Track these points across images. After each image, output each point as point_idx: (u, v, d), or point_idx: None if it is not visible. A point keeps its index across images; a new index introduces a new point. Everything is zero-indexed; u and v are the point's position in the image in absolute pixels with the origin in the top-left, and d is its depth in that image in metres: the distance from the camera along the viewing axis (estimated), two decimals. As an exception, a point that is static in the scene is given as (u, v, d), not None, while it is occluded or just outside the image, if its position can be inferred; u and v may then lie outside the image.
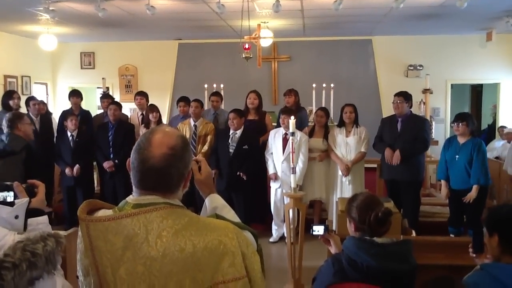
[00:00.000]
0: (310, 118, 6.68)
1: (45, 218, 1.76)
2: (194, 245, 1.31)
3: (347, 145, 5.61)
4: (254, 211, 5.79)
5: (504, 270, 1.87)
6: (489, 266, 1.96)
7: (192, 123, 6.03)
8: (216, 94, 6.67)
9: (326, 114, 5.91)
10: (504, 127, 8.51)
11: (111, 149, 6.02)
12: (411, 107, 5.55)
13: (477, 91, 11.48)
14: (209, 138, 5.98)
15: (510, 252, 1.93)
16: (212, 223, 1.42)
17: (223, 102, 6.81)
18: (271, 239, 5.74)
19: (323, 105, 6.86)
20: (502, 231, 1.97)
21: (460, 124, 4.96)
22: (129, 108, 8.73)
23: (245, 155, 5.57)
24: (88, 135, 6.27)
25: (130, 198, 1.41)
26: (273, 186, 5.72)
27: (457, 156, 5.01)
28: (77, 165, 5.86)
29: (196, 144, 5.94)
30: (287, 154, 5.40)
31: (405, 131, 5.35)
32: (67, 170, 5.88)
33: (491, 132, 9.80)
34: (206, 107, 6.86)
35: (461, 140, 5.02)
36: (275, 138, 5.64)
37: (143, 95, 6.82)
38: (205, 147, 5.94)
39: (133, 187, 1.42)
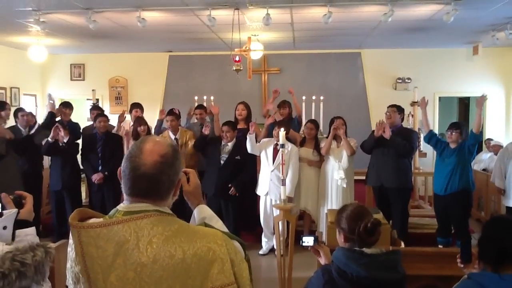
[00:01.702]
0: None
1: (33, 229, 1.75)
2: (184, 252, 1.33)
3: (339, 155, 5.65)
4: (244, 220, 5.80)
5: (491, 278, 1.90)
6: (476, 275, 1.98)
7: (173, 137, 6.09)
8: (200, 107, 6.75)
9: (316, 126, 5.98)
10: (491, 139, 8.62)
11: (100, 160, 6.02)
12: (402, 120, 5.70)
13: (464, 103, 11.63)
14: (189, 144, 6.06)
15: (489, 265, 1.97)
16: (202, 230, 1.44)
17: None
18: (260, 252, 5.73)
19: (313, 117, 6.91)
20: (479, 244, 2.03)
21: (454, 132, 5.17)
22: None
23: (235, 165, 5.59)
24: (76, 146, 6.26)
25: (121, 206, 1.43)
26: (261, 194, 5.72)
27: (446, 159, 5.25)
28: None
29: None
30: (277, 163, 5.43)
31: (394, 146, 5.47)
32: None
33: (479, 144, 9.89)
34: (195, 119, 6.85)
35: (453, 146, 5.24)
36: (266, 147, 5.65)
37: (139, 107, 6.86)
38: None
39: (124, 195, 1.44)
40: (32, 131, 6.08)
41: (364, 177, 6.30)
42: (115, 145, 6.06)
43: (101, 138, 6.10)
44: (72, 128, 6.63)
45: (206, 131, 5.76)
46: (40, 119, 7.76)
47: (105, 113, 6.89)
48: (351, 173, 5.76)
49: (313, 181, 5.83)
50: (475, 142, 5.20)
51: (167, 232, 1.35)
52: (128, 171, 1.41)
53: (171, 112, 6.22)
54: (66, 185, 6.00)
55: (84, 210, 1.49)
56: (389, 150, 5.48)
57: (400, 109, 5.65)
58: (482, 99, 5.39)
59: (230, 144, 5.68)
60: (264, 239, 5.80)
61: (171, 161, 1.44)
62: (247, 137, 5.54)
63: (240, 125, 6.18)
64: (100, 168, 6.03)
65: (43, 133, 5.71)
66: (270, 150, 5.59)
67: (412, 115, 8.69)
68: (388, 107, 5.70)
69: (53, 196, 6.18)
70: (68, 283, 1.41)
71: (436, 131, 9.73)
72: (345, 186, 5.59)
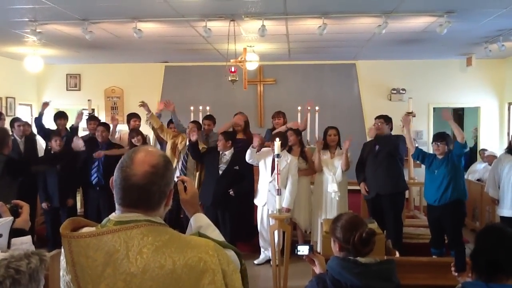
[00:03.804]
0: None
1: (28, 238, 1.75)
2: (174, 262, 1.33)
3: (332, 166, 5.68)
4: (240, 230, 5.79)
5: (483, 287, 1.91)
6: (470, 284, 1.99)
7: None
8: (209, 117, 6.68)
9: (295, 132, 5.94)
10: (485, 149, 8.66)
11: (96, 168, 6.03)
12: (391, 129, 5.79)
13: (458, 114, 11.71)
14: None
15: (482, 277, 1.98)
16: (193, 240, 1.44)
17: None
18: (256, 261, 5.71)
19: (308, 128, 7.00)
20: (471, 257, 2.04)
21: (439, 144, 5.26)
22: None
23: (234, 175, 5.59)
24: (73, 155, 6.23)
25: (113, 216, 1.43)
26: (259, 204, 5.70)
27: (436, 171, 5.29)
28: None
29: (187, 159, 5.97)
30: (275, 175, 5.42)
31: (382, 149, 5.57)
32: (43, 204, 5.99)
33: (473, 154, 9.96)
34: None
35: (441, 157, 5.32)
36: (265, 158, 5.62)
37: (137, 117, 6.89)
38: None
39: (116, 205, 1.44)
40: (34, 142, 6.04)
41: (359, 187, 6.33)
42: (116, 156, 6.01)
43: (102, 147, 6.11)
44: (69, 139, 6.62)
45: (193, 137, 5.72)
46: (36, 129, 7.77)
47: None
48: (344, 185, 5.78)
49: (301, 190, 5.75)
50: (461, 152, 5.24)
51: (158, 242, 1.35)
52: (119, 181, 1.41)
53: (194, 121, 6.29)
54: (63, 203, 5.99)
55: (78, 219, 1.50)
56: (378, 158, 5.57)
57: (387, 119, 5.78)
58: (446, 113, 5.66)
59: (228, 154, 5.68)
60: (261, 249, 5.79)
61: (162, 171, 1.43)
62: (249, 149, 5.48)
63: (239, 136, 6.21)
64: (95, 176, 6.04)
65: (42, 167, 5.68)
66: (269, 161, 5.54)
67: (407, 125, 8.74)
68: (375, 119, 5.84)
69: (48, 209, 6.14)
70: None
71: (431, 141, 9.82)
72: (338, 199, 5.61)
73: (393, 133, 5.93)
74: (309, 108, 6.75)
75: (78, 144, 5.59)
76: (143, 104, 6.29)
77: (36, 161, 5.85)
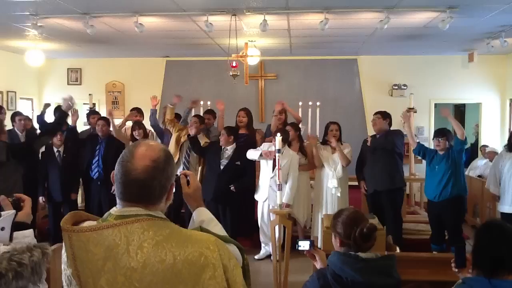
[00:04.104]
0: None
1: (30, 232, 1.76)
2: (175, 257, 1.32)
3: (332, 162, 5.68)
4: (241, 225, 5.80)
5: (484, 283, 1.92)
6: (471, 280, 2.00)
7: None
8: (209, 112, 6.73)
9: (294, 128, 5.92)
10: (486, 146, 8.65)
11: (96, 163, 6.03)
12: (390, 125, 5.78)
13: (460, 110, 11.70)
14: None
15: (480, 270, 1.99)
16: (194, 235, 1.43)
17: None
18: (256, 256, 5.72)
19: (309, 123, 6.98)
20: (472, 253, 2.04)
21: (440, 139, 5.27)
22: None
23: (235, 170, 5.59)
24: (75, 151, 6.24)
25: (114, 210, 1.43)
26: (260, 199, 5.70)
27: (437, 167, 5.30)
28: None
29: (189, 153, 5.99)
30: (276, 170, 5.41)
31: (379, 145, 5.60)
32: (40, 198, 5.98)
33: (474, 151, 9.96)
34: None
35: (442, 152, 5.33)
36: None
37: (139, 112, 6.89)
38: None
39: (117, 199, 1.44)
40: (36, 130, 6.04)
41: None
42: (118, 149, 6.02)
43: (102, 141, 6.10)
44: (70, 132, 6.63)
45: (191, 131, 5.73)
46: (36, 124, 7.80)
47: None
48: (345, 181, 5.78)
49: (300, 186, 5.72)
50: (461, 148, 5.26)
51: (158, 237, 1.34)
52: (120, 176, 1.40)
53: (197, 115, 6.31)
54: (67, 198, 5.98)
55: (79, 213, 1.49)
56: (376, 155, 5.60)
57: (385, 115, 5.78)
58: (445, 110, 5.66)
59: (230, 150, 5.68)
60: (262, 245, 5.80)
61: (163, 166, 1.42)
62: (256, 154, 5.47)
63: (241, 131, 6.21)
64: (95, 170, 6.03)
65: (44, 139, 5.67)
66: None
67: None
68: (373, 115, 5.85)
69: (50, 203, 6.15)
70: (64, 285, 1.42)
71: (432, 137, 9.81)
72: (339, 195, 5.61)
73: (392, 128, 5.92)
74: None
75: (68, 102, 5.42)
76: (178, 96, 6.44)
77: (35, 137, 5.83)
